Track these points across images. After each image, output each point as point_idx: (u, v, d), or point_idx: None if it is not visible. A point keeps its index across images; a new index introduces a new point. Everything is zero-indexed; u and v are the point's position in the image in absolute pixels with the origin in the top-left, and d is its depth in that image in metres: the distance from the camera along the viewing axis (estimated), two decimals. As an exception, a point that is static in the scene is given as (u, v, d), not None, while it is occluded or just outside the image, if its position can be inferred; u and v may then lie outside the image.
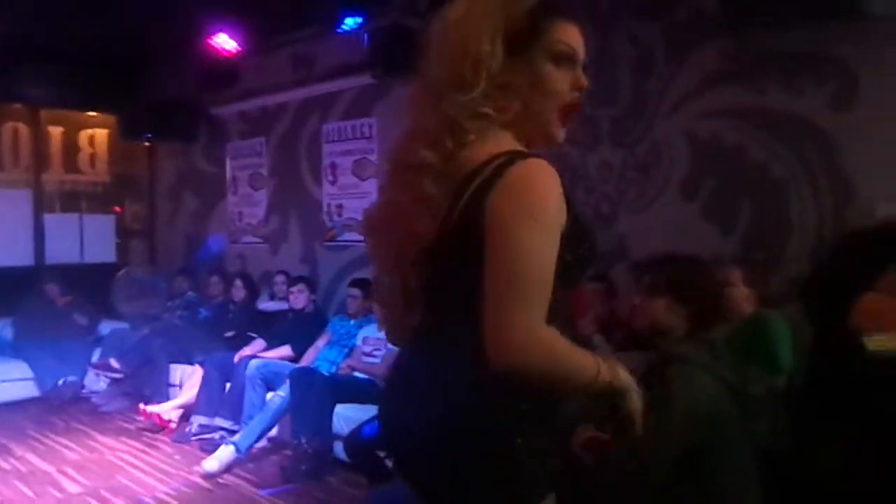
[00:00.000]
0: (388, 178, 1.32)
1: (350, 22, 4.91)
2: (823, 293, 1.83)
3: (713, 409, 1.91)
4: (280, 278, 5.56)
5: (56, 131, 7.03)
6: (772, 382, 2.53)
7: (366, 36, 4.63)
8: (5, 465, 4.29)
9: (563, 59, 1.24)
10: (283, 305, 5.42)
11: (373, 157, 5.33)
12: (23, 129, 6.75)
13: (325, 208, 5.68)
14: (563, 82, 1.24)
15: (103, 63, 6.10)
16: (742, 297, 2.78)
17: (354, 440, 3.55)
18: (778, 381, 2.56)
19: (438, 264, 1.21)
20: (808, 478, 1.77)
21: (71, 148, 7.11)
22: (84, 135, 7.21)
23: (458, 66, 1.18)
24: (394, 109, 5.12)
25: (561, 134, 1.28)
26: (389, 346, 4.48)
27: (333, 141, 5.61)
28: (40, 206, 6.77)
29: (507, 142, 1.21)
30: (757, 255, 3.38)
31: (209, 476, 4.03)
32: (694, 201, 3.75)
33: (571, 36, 1.26)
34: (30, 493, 3.84)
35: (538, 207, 1.10)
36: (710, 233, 3.66)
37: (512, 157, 1.14)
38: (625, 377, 1.20)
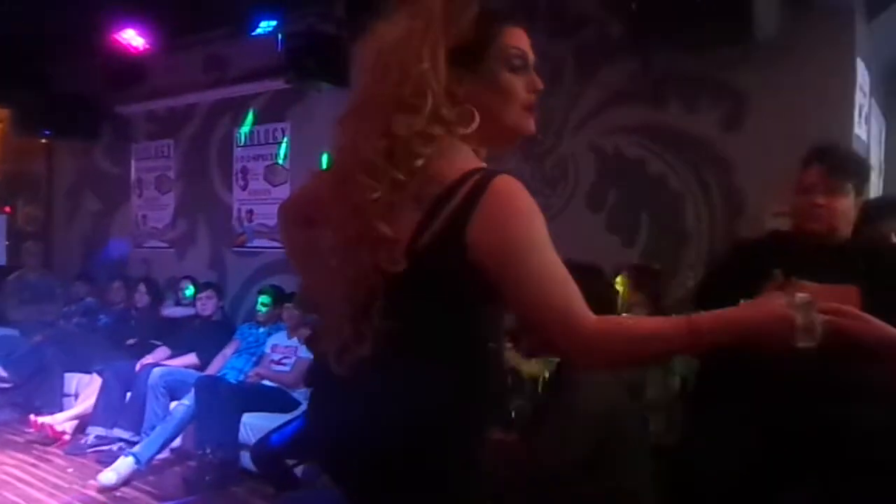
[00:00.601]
0: (332, 203, 1.22)
1: (264, 25, 4.84)
2: (711, 301, 1.96)
3: (613, 410, 2.00)
4: (184, 283, 5.40)
5: (-58, 125, 6.59)
6: (667, 385, 2.68)
7: (280, 40, 4.58)
8: None
9: (517, 63, 1.23)
10: (189, 311, 5.26)
11: (285, 163, 5.27)
12: None
13: (235, 213, 5.57)
14: (519, 87, 1.24)
15: (-3, 54, 5.76)
16: (632, 301, 2.94)
17: (262, 449, 3.49)
18: (673, 383, 2.71)
19: (407, 288, 1.15)
20: (694, 461, 1.89)
21: (-42, 143, 6.69)
22: (-27, 129, 6.79)
23: (400, 87, 1.14)
24: (307, 115, 5.10)
25: (531, 123, 1.27)
26: (300, 354, 4.43)
27: (245, 145, 5.51)
28: (-79, 203, 6.32)
29: (469, 156, 1.18)
30: (655, 264, 3.55)
31: (106, 489, 3.86)
32: (599, 213, 3.92)
33: (521, 39, 1.25)
34: None
35: (533, 221, 1.12)
36: (614, 243, 3.82)
37: (484, 177, 1.12)
38: (739, 321, 1.09)
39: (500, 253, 1.09)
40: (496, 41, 1.22)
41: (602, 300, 2.18)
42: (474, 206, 1.10)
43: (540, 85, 1.27)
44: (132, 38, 5.37)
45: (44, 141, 6.94)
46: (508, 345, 3.46)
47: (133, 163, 6.40)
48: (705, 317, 1.08)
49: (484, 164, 1.20)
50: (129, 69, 5.76)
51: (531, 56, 1.27)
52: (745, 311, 1.10)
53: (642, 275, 3.19)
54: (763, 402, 1.82)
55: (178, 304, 5.50)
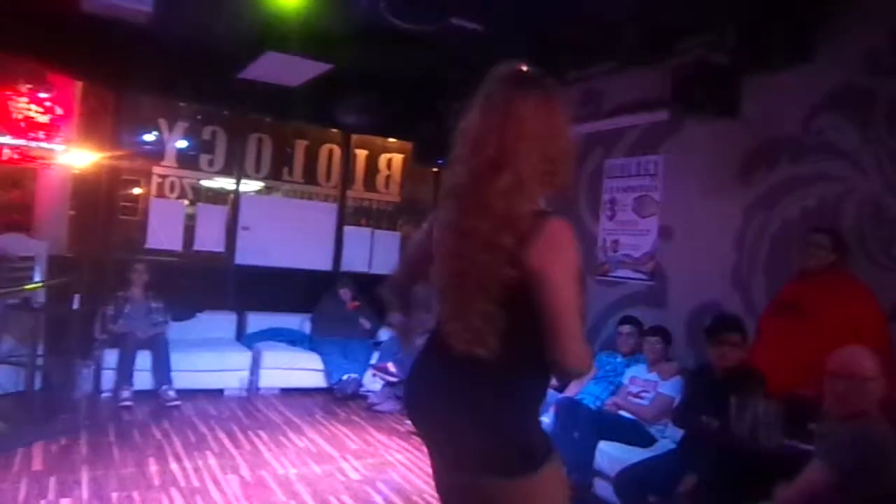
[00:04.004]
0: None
1: (647, 58, 4.87)
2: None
3: None
4: None
5: (361, 154, 7.94)
6: None
7: (665, 72, 4.56)
8: (299, 443, 4.86)
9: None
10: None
11: (655, 195, 5.21)
12: (336, 150, 7.72)
13: (600, 243, 5.67)
14: None
15: (405, 95, 6.75)
16: None
17: (628, 480, 3.45)
18: None
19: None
20: None
21: (372, 169, 7.98)
22: (384, 158, 8.06)
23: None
24: (682, 146, 4.99)
25: None
26: (659, 389, 4.31)
27: (615, 176, 5.59)
28: (342, 219, 7.64)
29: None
30: None
31: (470, 487, 4.17)
32: None
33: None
34: (318, 471, 4.30)
35: (573, 261, 1.51)
36: None
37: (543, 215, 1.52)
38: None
39: (547, 275, 1.48)
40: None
41: None
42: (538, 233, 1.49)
43: None
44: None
45: (434, 170, 7.92)
46: None
47: (507, 191, 6.93)
48: None
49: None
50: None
51: None
52: None
53: None
54: None
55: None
